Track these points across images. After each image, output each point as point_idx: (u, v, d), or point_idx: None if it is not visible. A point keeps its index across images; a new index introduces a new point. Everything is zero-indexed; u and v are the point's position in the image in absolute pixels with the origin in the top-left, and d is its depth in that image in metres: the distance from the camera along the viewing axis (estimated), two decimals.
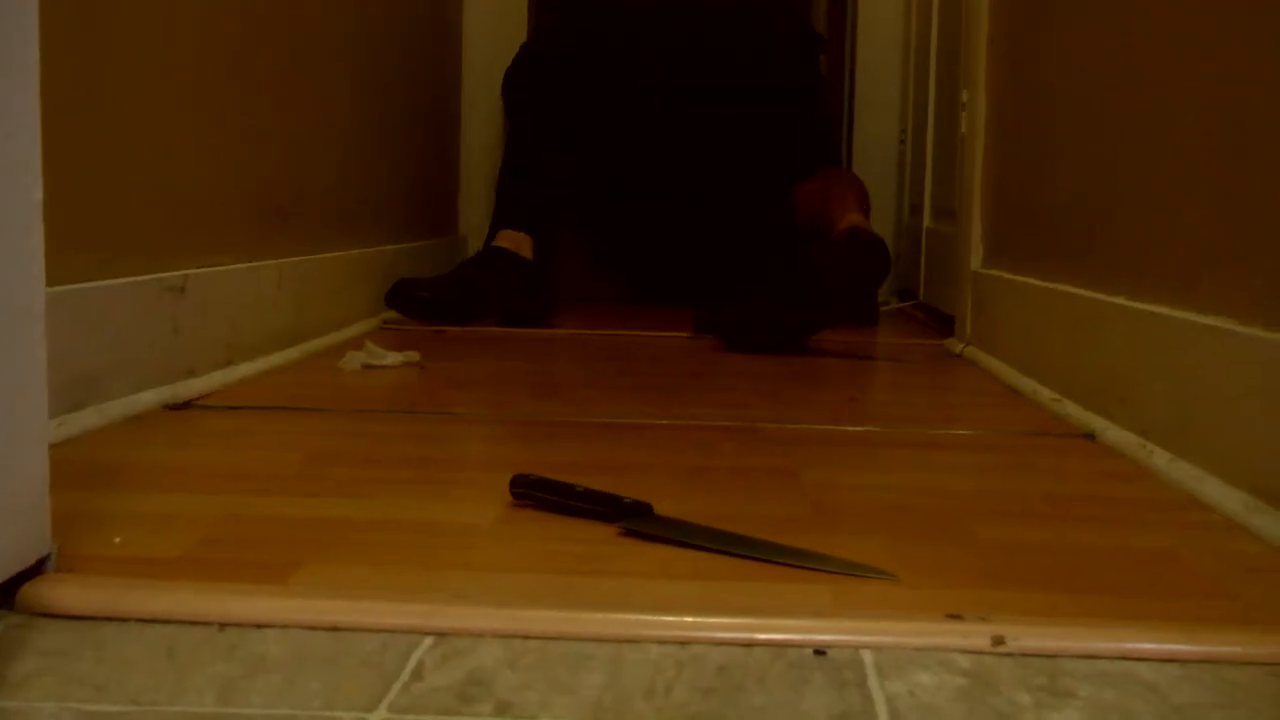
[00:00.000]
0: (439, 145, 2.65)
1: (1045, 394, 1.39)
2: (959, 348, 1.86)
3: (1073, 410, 1.29)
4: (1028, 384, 1.47)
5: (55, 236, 0.67)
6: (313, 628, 0.63)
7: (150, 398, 1.20)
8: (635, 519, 0.81)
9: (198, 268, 1.33)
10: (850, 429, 1.23)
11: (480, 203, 2.82)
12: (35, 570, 0.66)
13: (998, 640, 0.62)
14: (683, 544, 0.78)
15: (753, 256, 2.34)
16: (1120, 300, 1.20)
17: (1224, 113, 1.01)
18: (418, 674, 0.58)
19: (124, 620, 0.63)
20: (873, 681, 0.58)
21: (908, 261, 2.68)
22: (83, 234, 1.12)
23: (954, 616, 0.64)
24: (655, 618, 0.64)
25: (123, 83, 1.20)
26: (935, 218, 2.45)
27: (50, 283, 0.67)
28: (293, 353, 1.58)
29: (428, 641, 0.62)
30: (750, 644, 0.62)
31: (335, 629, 0.63)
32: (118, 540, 0.76)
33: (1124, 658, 0.61)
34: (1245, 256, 0.95)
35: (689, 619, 0.64)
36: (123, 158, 1.20)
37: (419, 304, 2.00)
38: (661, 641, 0.62)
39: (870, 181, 2.92)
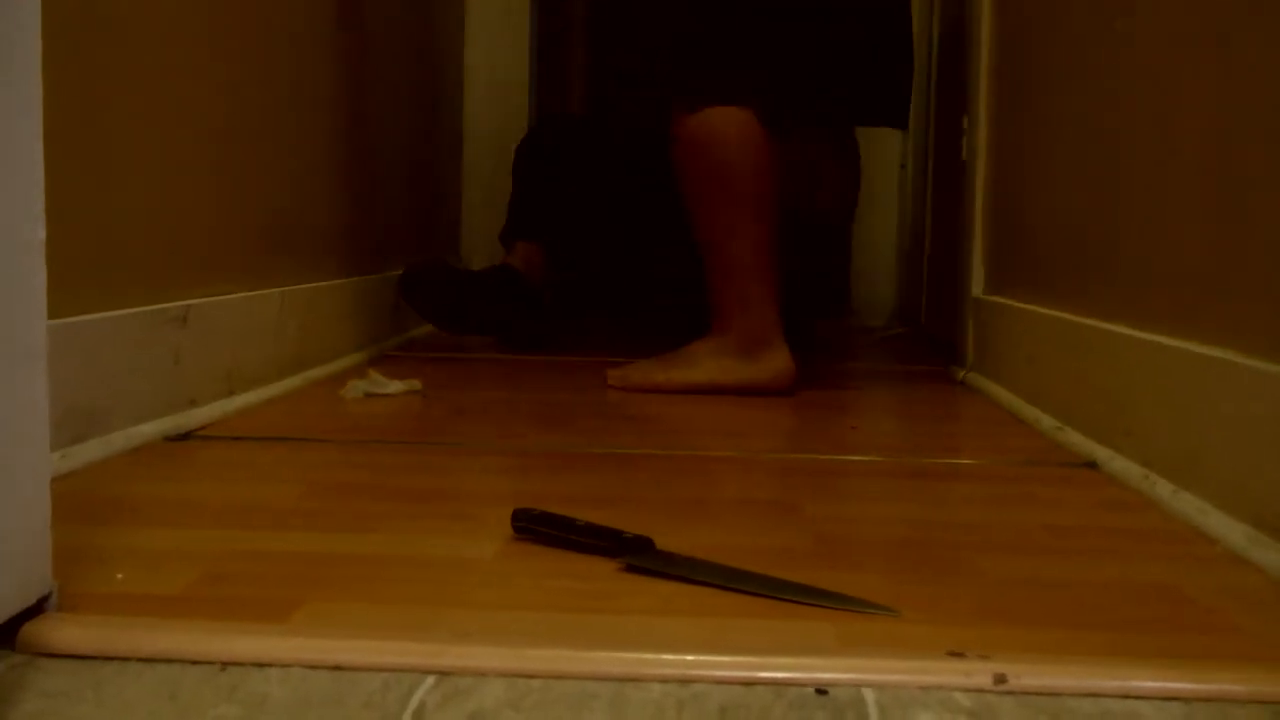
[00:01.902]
0: (441, 171, 2.66)
1: (1047, 422, 1.39)
2: (960, 374, 1.86)
3: (1075, 439, 1.28)
4: (1030, 412, 1.47)
5: (56, 269, 0.68)
6: (314, 667, 0.63)
7: (151, 429, 1.20)
8: (637, 554, 0.81)
9: (199, 298, 1.34)
10: (852, 459, 1.23)
11: (482, 228, 2.82)
12: (36, 609, 0.66)
13: (1000, 679, 0.62)
14: (685, 580, 0.78)
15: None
16: (1122, 329, 1.20)
17: (1223, 143, 1.01)
18: (419, 715, 0.58)
19: (125, 660, 0.63)
20: None
21: (909, 288, 2.69)
22: (83, 266, 1.12)
23: (956, 654, 0.64)
24: (657, 656, 0.64)
25: (121, 115, 1.20)
26: (935, 244, 2.46)
27: (51, 315, 0.67)
28: (294, 381, 1.58)
29: (430, 681, 0.62)
30: (752, 683, 0.62)
31: (337, 668, 0.63)
32: (119, 577, 0.76)
33: (1127, 696, 0.61)
34: (1247, 288, 0.95)
35: (690, 657, 0.64)
36: (122, 189, 1.20)
37: (419, 294, 2.05)
38: (663, 680, 0.62)
39: (874, 207, 2.94)
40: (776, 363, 1.64)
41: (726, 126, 1.65)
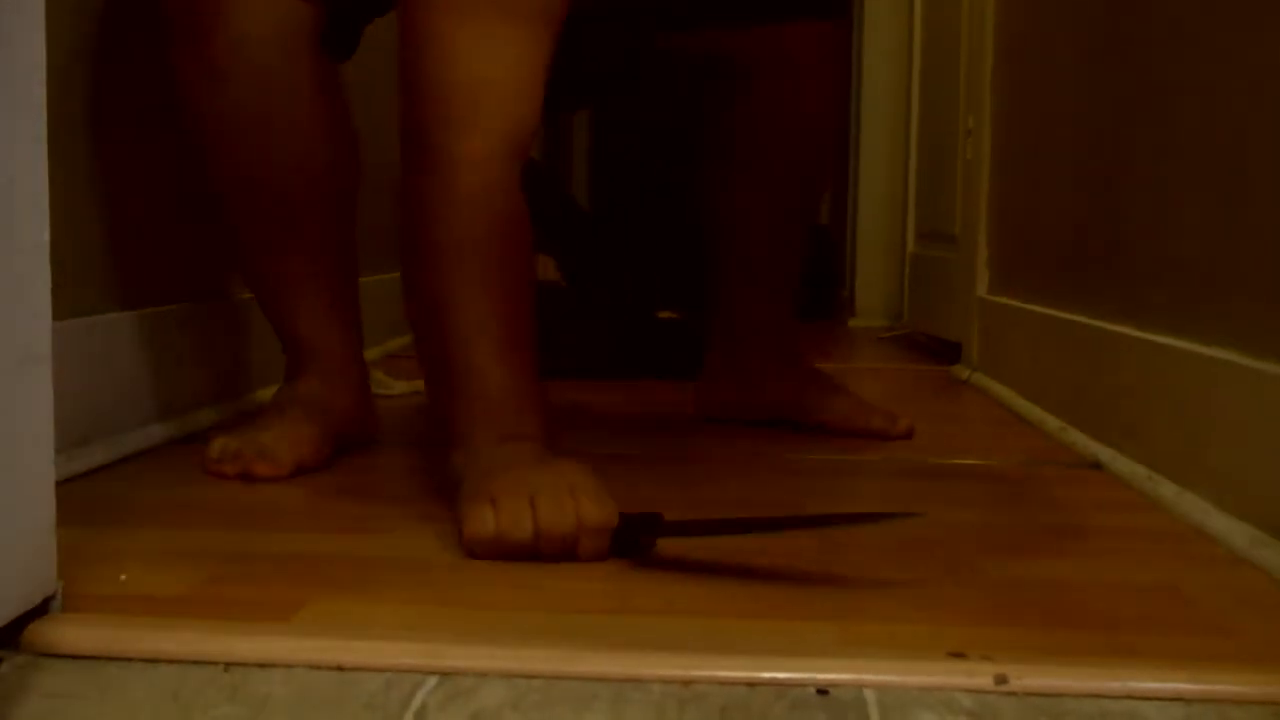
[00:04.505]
0: None
1: (1052, 422, 1.39)
2: (965, 374, 1.86)
3: (1079, 439, 1.28)
4: (1035, 412, 1.47)
5: (62, 271, 0.68)
6: (317, 667, 0.63)
7: (157, 431, 1.20)
8: (633, 537, 0.81)
9: (204, 300, 1.34)
10: (857, 459, 1.23)
11: None
12: (41, 610, 0.66)
13: (1001, 679, 0.62)
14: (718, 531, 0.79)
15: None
16: (1126, 329, 1.20)
17: (1226, 144, 1.01)
18: (421, 715, 0.58)
19: (129, 660, 0.63)
20: None
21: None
22: (90, 267, 1.13)
23: (957, 655, 0.64)
24: (658, 656, 0.64)
25: (127, 114, 1.20)
26: (920, 242, 2.49)
27: (58, 316, 0.67)
28: None
29: (431, 681, 0.62)
30: (753, 683, 0.62)
31: (339, 669, 0.63)
32: (123, 578, 0.76)
33: (1128, 697, 0.61)
34: (1250, 288, 0.95)
35: (692, 658, 0.64)
36: (128, 191, 1.21)
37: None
38: (664, 681, 0.62)
39: (874, 204, 2.94)
40: None
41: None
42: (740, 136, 1.35)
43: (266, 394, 1.47)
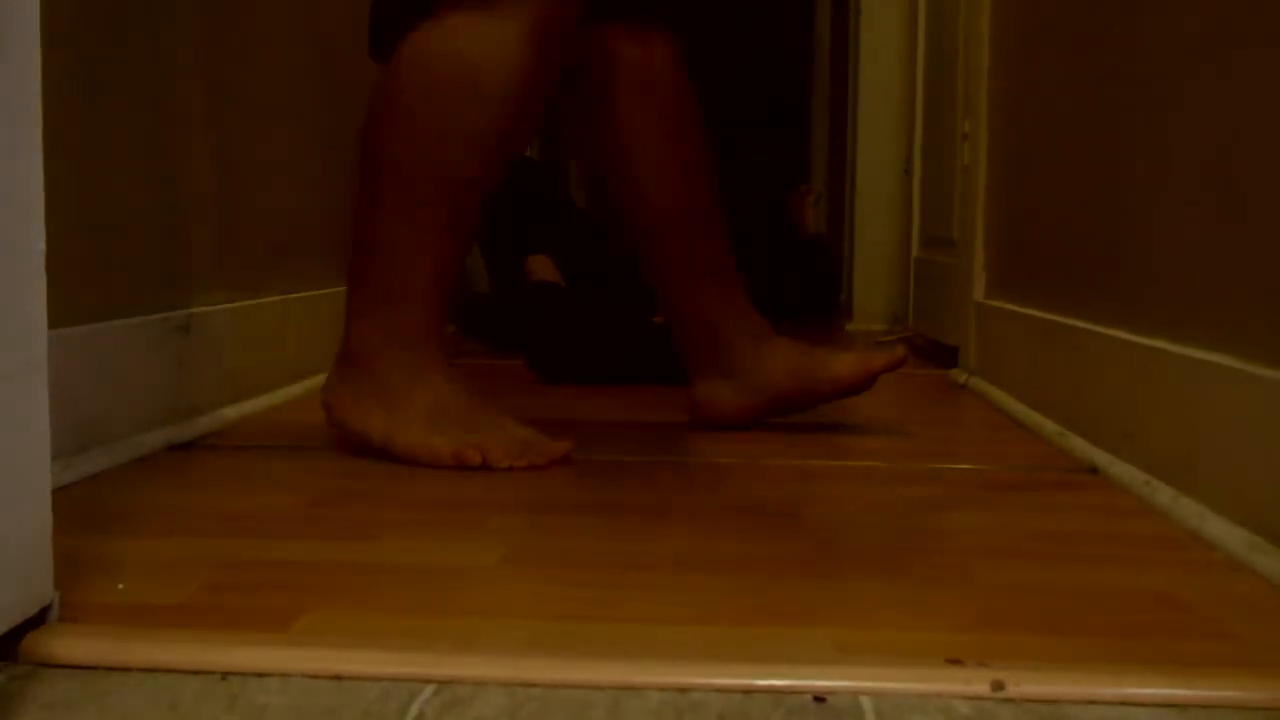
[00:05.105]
0: None
1: (1049, 427, 1.39)
2: (963, 379, 1.86)
3: (1077, 444, 1.28)
4: (1032, 417, 1.47)
5: (60, 278, 0.68)
6: (314, 676, 0.63)
7: (155, 438, 1.20)
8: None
9: (201, 306, 1.34)
10: (855, 464, 1.23)
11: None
12: (38, 620, 0.66)
13: (998, 686, 0.62)
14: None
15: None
16: (1122, 334, 1.20)
17: (1223, 149, 1.01)
18: None
19: (126, 670, 0.63)
20: None
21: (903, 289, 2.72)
22: (87, 275, 1.13)
23: (954, 662, 0.64)
24: (656, 664, 0.64)
25: (122, 124, 1.20)
26: (924, 247, 2.49)
27: (55, 324, 0.67)
28: (296, 389, 1.58)
29: (429, 690, 0.62)
30: (750, 691, 0.62)
31: (337, 678, 0.63)
32: (121, 587, 0.76)
33: (1124, 703, 0.61)
34: (1246, 293, 0.95)
35: (689, 665, 0.64)
36: (125, 198, 1.21)
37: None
38: (662, 689, 0.62)
39: (874, 210, 2.95)
40: None
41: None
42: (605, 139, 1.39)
43: (265, 400, 1.47)
